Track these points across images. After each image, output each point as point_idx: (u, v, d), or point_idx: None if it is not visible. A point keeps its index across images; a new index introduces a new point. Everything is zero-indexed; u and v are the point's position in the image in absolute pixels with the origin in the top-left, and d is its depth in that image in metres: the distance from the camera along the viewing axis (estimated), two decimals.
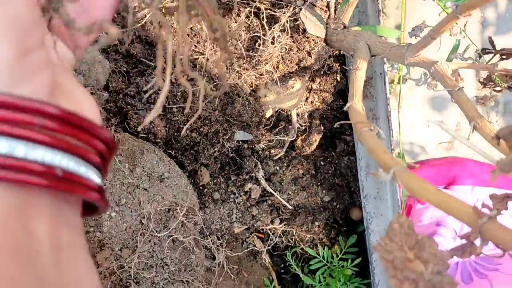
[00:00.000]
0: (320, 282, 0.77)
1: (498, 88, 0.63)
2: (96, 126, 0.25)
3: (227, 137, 0.69)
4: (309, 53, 0.59)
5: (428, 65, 0.51)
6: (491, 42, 0.65)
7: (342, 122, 0.46)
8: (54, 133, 0.22)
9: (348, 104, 0.49)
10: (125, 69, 0.63)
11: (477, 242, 0.36)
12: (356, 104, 0.48)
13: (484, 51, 0.71)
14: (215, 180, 0.76)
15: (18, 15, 0.23)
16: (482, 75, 0.97)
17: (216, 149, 0.68)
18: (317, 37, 0.58)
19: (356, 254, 0.80)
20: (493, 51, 0.64)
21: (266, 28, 0.57)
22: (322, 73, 0.71)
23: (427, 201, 0.37)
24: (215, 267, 0.75)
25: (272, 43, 0.58)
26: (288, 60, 0.58)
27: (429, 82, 0.55)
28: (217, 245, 0.75)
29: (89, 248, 0.57)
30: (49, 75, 0.24)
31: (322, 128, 0.74)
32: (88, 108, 0.27)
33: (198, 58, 0.57)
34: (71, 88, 0.27)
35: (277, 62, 0.59)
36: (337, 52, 0.72)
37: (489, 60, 0.66)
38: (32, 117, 0.22)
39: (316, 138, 0.74)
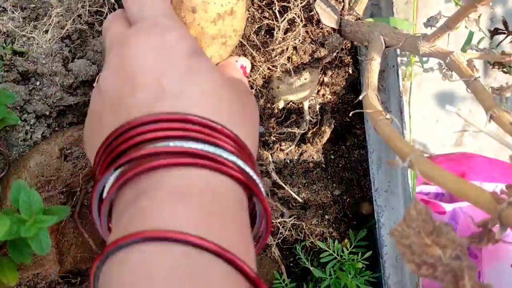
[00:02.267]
0: (330, 275, 0.77)
1: (506, 70, 0.63)
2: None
3: None
4: (322, 44, 0.59)
5: (444, 56, 0.50)
6: (504, 23, 0.64)
7: (356, 111, 0.46)
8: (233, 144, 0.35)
9: (363, 94, 0.49)
10: None
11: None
12: (371, 93, 0.48)
13: (496, 31, 0.70)
14: None
15: None
16: (492, 73, 0.97)
17: None
18: (331, 28, 0.59)
19: (366, 247, 0.80)
20: (505, 31, 0.63)
21: (279, 19, 0.57)
22: (334, 66, 0.71)
23: (445, 188, 0.38)
24: None
25: (286, 34, 0.58)
26: (302, 51, 0.58)
27: (444, 72, 0.55)
28: None
29: (102, 239, 0.57)
30: None
31: (333, 121, 0.74)
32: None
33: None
34: None
35: (291, 54, 0.59)
36: (349, 45, 0.72)
37: (501, 42, 0.65)
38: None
39: (327, 131, 0.74)
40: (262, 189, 0.37)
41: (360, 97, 0.48)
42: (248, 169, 0.35)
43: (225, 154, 0.34)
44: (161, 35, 0.38)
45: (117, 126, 0.34)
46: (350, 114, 0.49)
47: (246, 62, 0.56)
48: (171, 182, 0.32)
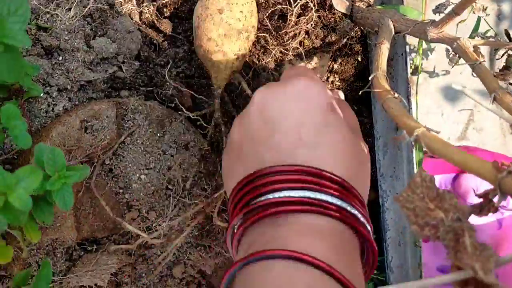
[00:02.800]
0: None
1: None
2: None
3: None
4: (334, 29, 0.61)
5: (451, 41, 0.53)
6: (507, 34, 0.66)
7: (365, 89, 0.48)
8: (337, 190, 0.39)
9: (372, 74, 0.51)
10: (155, 42, 0.66)
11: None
12: (380, 74, 0.50)
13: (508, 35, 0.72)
14: None
15: None
16: (497, 64, 0.99)
17: None
18: (343, 13, 0.61)
19: None
20: (510, 42, 0.65)
21: (293, 4, 0.59)
22: (344, 53, 0.73)
23: (449, 161, 0.40)
24: None
25: (298, 18, 0.60)
26: (314, 36, 0.61)
27: (451, 57, 0.57)
28: None
29: (118, 208, 0.60)
30: None
31: None
32: None
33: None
34: None
35: (303, 38, 0.61)
36: (359, 33, 0.74)
37: (505, 52, 0.67)
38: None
39: None
40: (371, 232, 0.43)
41: (370, 78, 0.50)
42: (366, 223, 0.41)
43: (350, 208, 0.40)
44: (304, 87, 0.44)
45: (255, 168, 0.40)
46: (360, 92, 0.52)
47: (341, 95, 0.60)
48: (303, 220, 0.38)
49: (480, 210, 0.39)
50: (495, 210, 0.38)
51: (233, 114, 0.67)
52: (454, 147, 0.39)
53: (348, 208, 0.40)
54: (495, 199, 0.39)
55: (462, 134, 1.06)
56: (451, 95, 0.99)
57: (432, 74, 0.99)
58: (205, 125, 0.63)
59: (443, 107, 1.02)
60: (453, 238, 0.32)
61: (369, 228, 0.42)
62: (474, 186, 0.93)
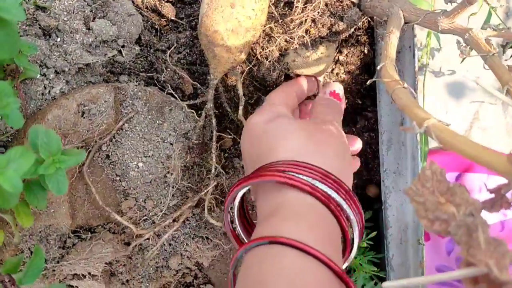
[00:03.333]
0: None
1: None
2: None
3: (252, 101, 0.70)
4: (341, 18, 0.59)
5: (463, 32, 0.51)
6: None
7: (373, 79, 0.46)
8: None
9: (381, 64, 0.49)
10: (157, 26, 0.64)
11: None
12: (388, 64, 0.49)
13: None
14: (236, 146, 0.77)
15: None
16: (506, 61, 0.97)
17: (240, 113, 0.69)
18: (351, 2, 0.59)
19: (371, 228, 0.80)
20: None
21: None
22: (350, 44, 0.71)
23: (461, 153, 0.38)
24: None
25: (305, 5, 0.58)
26: (320, 24, 0.59)
27: (462, 49, 0.55)
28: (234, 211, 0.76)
29: (115, 196, 0.58)
30: None
31: (346, 101, 0.74)
32: None
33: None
34: None
35: (309, 26, 0.59)
36: (366, 24, 0.72)
37: None
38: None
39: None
40: (356, 230, 0.50)
41: (378, 67, 0.48)
42: (331, 192, 0.47)
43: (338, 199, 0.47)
44: (248, 122, 0.55)
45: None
46: (368, 82, 0.50)
47: (336, 87, 0.64)
48: (292, 204, 0.46)
49: (492, 206, 0.38)
50: (508, 206, 0.36)
51: (226, 108, 0.66)
52: (465, 139, 0.38)
53: (337, 199, 0.47)
54: (509, 195, 0.37)
55: (466, 133, 1.05)
56: (456, 93, 0.98)
57: (438, 72, 0.97)
58: (197, 117, 0.62)
59: (448, 105, 1.00)
60: (466, 233, 0.31)
61: (353, 219, 0.49)
62: (477, 185, 0.92)
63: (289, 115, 0.56)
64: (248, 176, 0.49)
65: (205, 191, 0.61)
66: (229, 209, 0.53)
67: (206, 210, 0.60)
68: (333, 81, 0.75)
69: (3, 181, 0.36)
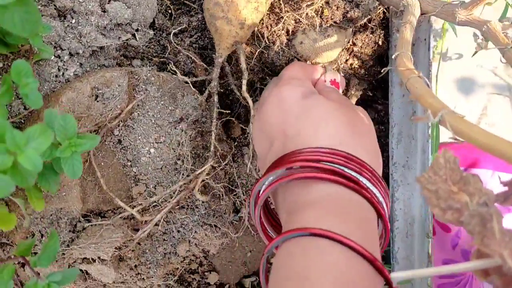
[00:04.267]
0: None
1: None
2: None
3: (263, 87, 0.69)
4: (357, 5, 0.59)
5: (481, 24, 0.50)
6: None
7: (387, 68, 0.46)
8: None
9: (396, 53, 0.49)
10: (170, 10, 0.64)
11: None
12: (404, 53, 0.48)
13: None
14: (246, 135, 0.77)
15: None
16: None
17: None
18: None
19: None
20: None
21: None
22: (364, 35, 0.71)
23: (475, 144, 0.38)
24: (237, 221, 0.76)
25: None
26: (335, 6, 0.58)
27: (479, 42, 0.54)
28: (241, 200, 0.76)
29: (125, 181, 0.58)
30: None
31: (361, 89, 0.74)
32: None
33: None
34: None
35: (322, 7, 0.58)
36: (381, 15, 0.71)
37: None
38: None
39: (353, 100, 0.74)
40: (386, 210, 0.47)
41: (393, 56, 0.48)
42: (383, 202, 0.46)
43: (369, 185, 0.45)
44: (278, 92, 0.51)
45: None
46: (382, 72, 0.50)
47: (334, 75, 0.64)
48: (337, 198, 0.43)
49: (505, 199, 0.38)
50: None
51: (231, 87, 0.65)
52: (480, 129, 0.37)
53: (369, 185, 0.44)
54: None
55: None
56: (466, 88, 0.97)
57: (447, 66, 0.96)
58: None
59: (457, 99, 0.99)
60: (479, 223, 0.30)
61: (385, 206, 0.47)
62: (483, 181, 0.91)
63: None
64: (287, 160, 0.45)
65: (201, 170, 0.60)
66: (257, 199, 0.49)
67: (196, 190, 0.59)
68: (347, 70, 0.75)
69: (24, 159, 0.36)
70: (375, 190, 0.45)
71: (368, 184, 0.44)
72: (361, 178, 0.44)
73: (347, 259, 0.39)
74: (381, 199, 0.46)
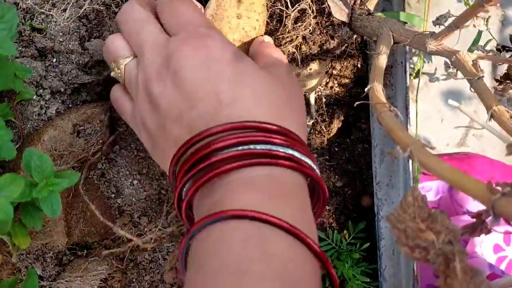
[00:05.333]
0: None
1: None
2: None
3: None
4: (332, 37, 0.60)
5: (450, 54, 0.52)
6: None
7: (361, 102, 0.47)
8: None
9: (369, 86, 0.50)
10: None
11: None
12: (377, 86, 0.50)
13: (504, 48, 0.72)
14: None
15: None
16: (498, 74, 0.98)
17: None
18: (342, 21, 0.60)
19: (365, 239, 0.82)
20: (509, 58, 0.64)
21: (290, 7, 0.58)
22: (343, 59, 0.72)
23: (443, 179, 0.39)
24: None
25: (296, 23, 0.59)
26: (311, 41, 0.60)
27: (449, 71, 0.56)
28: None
29: (110, 213, 0.59)
30: None
31: (343, 114, 0.75)
32: None
33: None
34: None
35: (300, 43, 0.60)
36: (359, 39, 0.73)
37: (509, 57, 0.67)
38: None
39: (335, 124, 0.75)
40: (318, 172, 0.43)
41: (366, 89, 0.49)
42: (304, 158, 0.41)
43: (282, 149, 0.40)
44: (206, 48, 0.43)
45: (186, 138, 0.40)
46: (355, 105, 0.51)
47: (269, 40, 0.58)
48: (239, 177, 0.38)
49: (473, 230, 0.39)
50: (488, 231, 0.38)
51: None
52: (448, 166, 0.39)
53: (296, 154, 0.41)
54: (488, 220, 0.38)
55: (461, 140, 1.06)
56: (453, 100, 0.99)
57: (432, 79, 0.98)
58: None
59: (443, 112, 1.01)
60: (444, 262, 0.32)
61: (316, 169, 0.43)
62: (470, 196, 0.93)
63: None
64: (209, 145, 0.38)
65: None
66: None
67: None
68: (327, 94, 0.76)
69: None
70: (311, 163, 0.42)
71: (313, 165, 0.42)
72: (300, 156, 0.41)
73: (294, 252, 0.35)
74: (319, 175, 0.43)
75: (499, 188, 0.36)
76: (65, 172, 0.47)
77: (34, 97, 0.55)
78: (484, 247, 0.82)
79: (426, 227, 0.35)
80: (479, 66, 0.51)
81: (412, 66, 0.90)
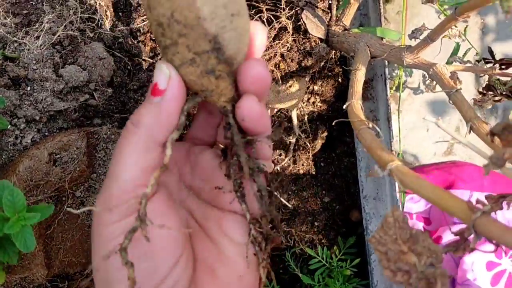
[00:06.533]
0: (319, 282, 0.78)
1: (497, 98, 0.64)
2: None
3: None
4: (309, 54, 0.60)
5: (427, 67, 0.52)
6: (491, 52, 0.65)
7: (340, 119, 0.47)
8: None
9: (347, 103, 0.50)
10: (129, 66, 0.64)
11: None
12: (355, 103, 0.49)
13: (484, 60, 0.72)
14: None
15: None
16: (481, 82, 0.98)
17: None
18: (318, 38, 0.59)
19: (355, 255, 0.80)
20: (492, 60, 0.64)
21: (267, 27, 0.58)
22: (324, 75, 0.72)
23: (423, 197, 0.38)
24: None
25: (274, 42, 0.59)
26: (289, 59, 0.59)
27: (428, 84, 0.56)
28: None
29: (90, 242, 0.58)
30: None
31: (326, 129, 0.75)
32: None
33: None
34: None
35: (278, 61, 0.60)
36: (338, 54, 0.73)
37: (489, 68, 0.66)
38: None
39: (320, 140, 0.75)
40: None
41: (344, 106, 0.49)
42: None
43: None
44: None
45: None
46: (335, 122, 0.50)
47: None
48: None
49: (456, 249, 0.38)
50: (471, 250, 0.37)
51: None
52: (427, 183, 0.38)
53: None
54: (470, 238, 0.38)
55: (448, 149, 1.06)
56: (437, 109, 0.99)
57: (416, 90, 0.98)
58: None
59: (428, 122, 1.01)
60: (425, 286, 0.31)
61: None
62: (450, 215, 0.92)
63: None
64: None
65: None
66: None
67: None
68: (310, 110, 0.76)
69: None
70: None
71: None
72: None
73: None
74: None
75: (479, 205, 0.35)
76: (39, 205, 0.45)
77: (9, 126, 0.54)
78: (476, 268, 0.81)
79: (408, 248, 0.34)
80: (457, 78, 0.50)
81: (392, 80, 0.91)
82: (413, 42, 0.55)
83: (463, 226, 0.36)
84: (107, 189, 0.33)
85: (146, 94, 0.35)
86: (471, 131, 0.45)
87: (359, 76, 0.52)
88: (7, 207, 0.41)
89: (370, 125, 0.46)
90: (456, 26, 0.48)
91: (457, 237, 0.39)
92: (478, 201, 0.36)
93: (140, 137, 0.34)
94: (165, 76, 0.34)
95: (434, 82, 0.52)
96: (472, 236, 0.36)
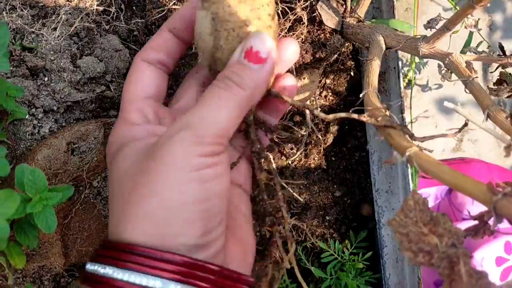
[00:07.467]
0: (331, 275, 0.78)
1: (507, 94, 0.64)
2: (242, 276, 0.40)
3: None
4: (324, 45, 0.60)
5: (443, 57, 0.52)
6: (501, 48, 0.65)
7: (357, 108, 0.47)
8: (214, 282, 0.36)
9: (363, 92, 0.50)
10: None
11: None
12: (371, 91, 0.49)
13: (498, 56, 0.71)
14: None
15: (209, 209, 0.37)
16: (490, 79, 0.98)
17: None
18: (333, 29, 0.60)
19: (367, 248, 0.81)
20: (503, 56, 0.64)
21: (282, 19, 0.58)
22: (336, 68, 0.72)
23: (442, 182, 0.38)
24: None
25: (288, 33, 0.59)
26: (304, 50, 0.60)
27: (443, 73, 0.56)
28: None
29: (107, 232, 0.58)
30: (222, 241, 0.39)
31: (336, 123, 0.75)
32: (250, 248, 0.45)
33: None
34: (240, 231, 0.44)
35: None
36: (350, 48, 0.73)
37: (498, 67, 0.66)
38: (200, 272, 0.36)
39: (331, 135, 0.75)
40: None
41: (361, 95, 0.49)
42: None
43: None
44: None
45: None
46: (350, 111, 0.50)
47: (256, 41, 0.45)
48: None
49: (475, 233, 0.38)
50: (491, 233, 0.37)
51: None
52: (446, 168, 0.38)
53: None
54: (491, 222, 0.38)
55: (457, 146, 1.06)
56: (445, 106, 0.99)
57: (425, 87, 0.98)
58: None
59: (437, 118, 1.01)
60: (448, 265, 0.31)
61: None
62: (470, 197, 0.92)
63: None
64: None
65: None
66: None
67: None
68: (322, 104, 0.76)
69: None
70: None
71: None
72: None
73: None
74: None
75: (499, 188, 0.35)
76: (60, 186, 0.46)
77: (27, 116, 0.54)
78: (486, 264, 0.81)
79: (428, 230, 0.34)
80: (473, 68, 0.51)
81: (404, 75, 0.91)
82: (427, 33, 0.56)
83: (472, 223, 0.36)
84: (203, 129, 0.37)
85: (236, 57, 0.40)
86: (488, 118, 0.45)
87: (375, 66, 0.52)
88: (28, 187, 0.42)
89: (387, 113, 0.46)
90: (472, 15, 0.48)
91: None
92: (498, 184, 0.36)
93: (243, 97, 0.39)
94: (267, 47, 0.40)
95: (450, 72, 0.52)
96: (492, 219, 0.36)
